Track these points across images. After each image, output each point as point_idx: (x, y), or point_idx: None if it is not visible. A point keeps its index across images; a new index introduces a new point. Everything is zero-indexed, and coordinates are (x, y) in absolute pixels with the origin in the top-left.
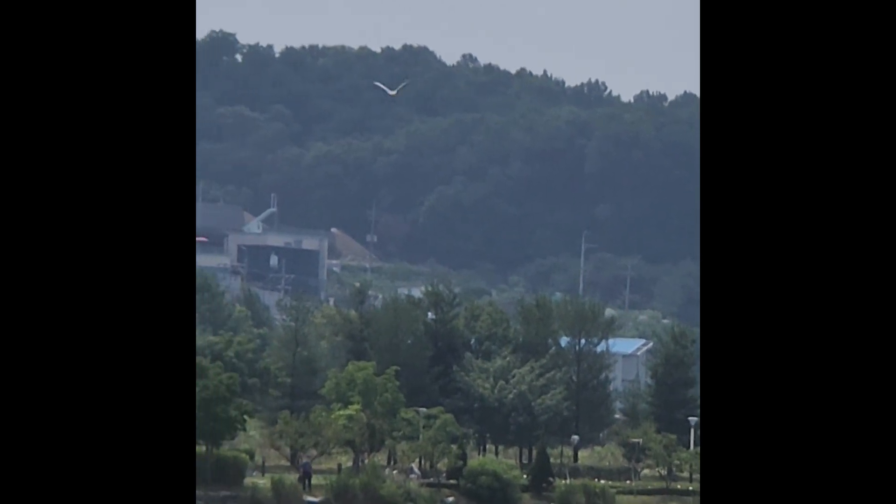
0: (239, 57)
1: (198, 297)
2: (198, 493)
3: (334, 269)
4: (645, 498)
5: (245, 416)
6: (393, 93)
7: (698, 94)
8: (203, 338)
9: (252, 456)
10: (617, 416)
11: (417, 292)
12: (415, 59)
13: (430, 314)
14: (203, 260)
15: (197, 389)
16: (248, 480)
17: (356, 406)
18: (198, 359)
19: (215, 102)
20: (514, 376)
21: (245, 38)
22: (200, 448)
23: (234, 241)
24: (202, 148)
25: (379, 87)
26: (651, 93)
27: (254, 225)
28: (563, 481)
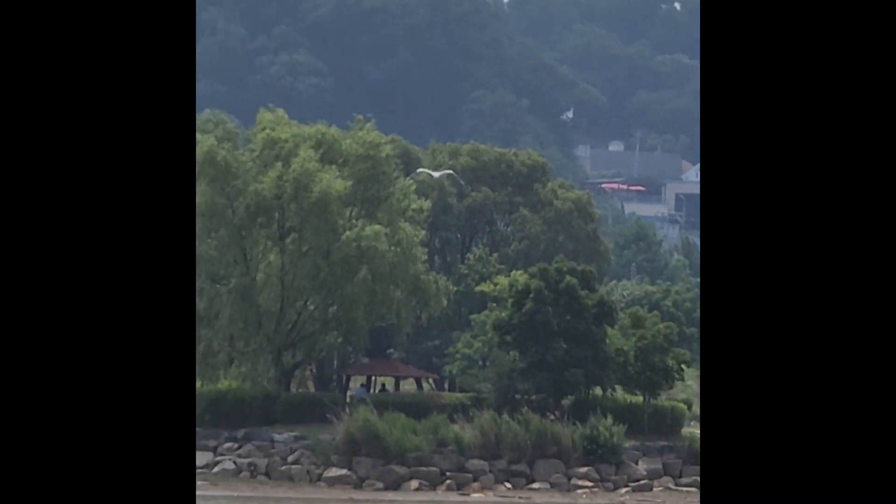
0: (678, 5)
1: (634, 246)
2: (635, 442)
3: None
4: None
5: (682, 366)
6: (437, 175)
7: None
8: (641, 287)
9: (690, 406)
10: None
11: None
12: None
13: None
14: (640, 209)
15: (634, 339)
16: (685, 430)
17: None
18: (635, 308)
19: (654, 51)
20: None
21: None
22: (637, 398)
23: (671, 190)
24: (640, 96)
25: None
26: None
27: (692, 173)
28: None
